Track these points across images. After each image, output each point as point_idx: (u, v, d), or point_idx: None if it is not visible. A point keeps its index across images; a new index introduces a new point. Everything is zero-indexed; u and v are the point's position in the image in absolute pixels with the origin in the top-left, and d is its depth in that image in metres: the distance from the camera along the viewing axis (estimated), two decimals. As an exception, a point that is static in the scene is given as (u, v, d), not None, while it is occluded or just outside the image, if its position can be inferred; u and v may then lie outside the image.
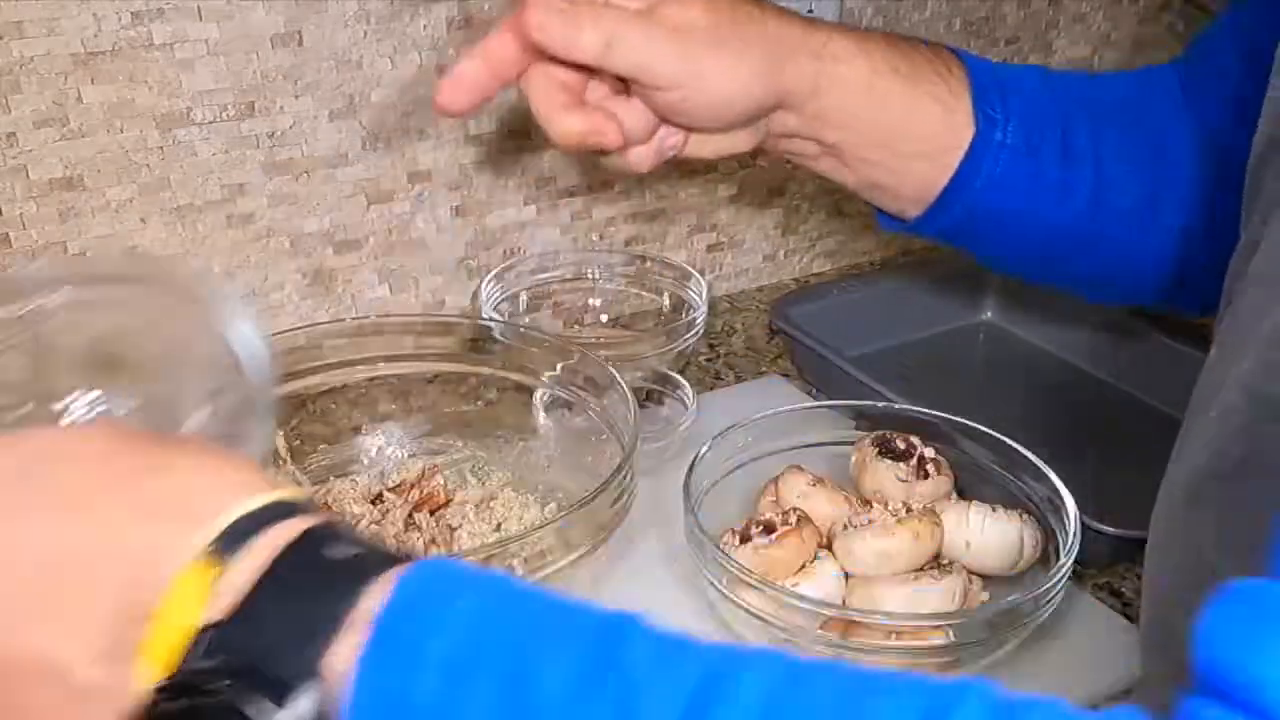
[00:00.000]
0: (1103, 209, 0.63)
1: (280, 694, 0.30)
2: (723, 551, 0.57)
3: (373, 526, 0.64)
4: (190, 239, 0.77)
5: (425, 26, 0.79)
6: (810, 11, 0.93)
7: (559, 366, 0.71)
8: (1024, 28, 1.08)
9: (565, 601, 0.33)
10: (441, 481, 0.69)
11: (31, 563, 0.34)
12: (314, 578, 0.32)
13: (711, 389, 0.87)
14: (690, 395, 0.76)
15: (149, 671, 0.32)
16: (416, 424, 0.75)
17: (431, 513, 0.66)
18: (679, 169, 0.95)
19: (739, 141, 0.60)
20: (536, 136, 0.88)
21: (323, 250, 0.83)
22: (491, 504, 0.68)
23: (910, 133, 0.60)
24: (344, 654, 0.31)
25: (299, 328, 0.73)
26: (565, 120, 0.55)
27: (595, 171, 0.91)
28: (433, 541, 0.64)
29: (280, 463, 0.70)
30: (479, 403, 0.75)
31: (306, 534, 0.33)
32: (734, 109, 0.57)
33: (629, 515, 0.60)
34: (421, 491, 0.68)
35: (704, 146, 0.60)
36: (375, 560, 0.33)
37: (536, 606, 0.33)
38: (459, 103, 0.55)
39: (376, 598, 0.31)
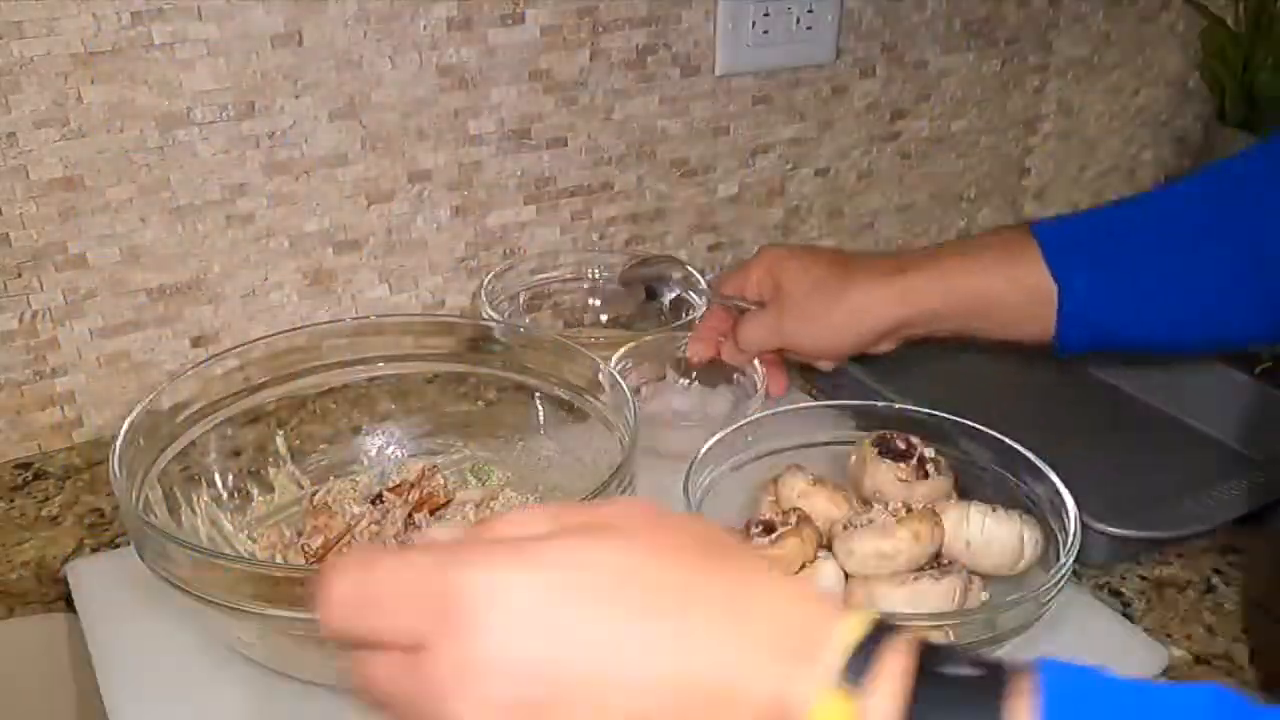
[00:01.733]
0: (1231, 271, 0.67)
1: None
2: (723, 551, 0.57)
3: (372, 527, 0.64)
4: (190, 239, 0.77)
5: (425, 26, 0.79)
6: (810, 12, 0.93)
7: (559, 366, 0.71)
8: (1024, 28, 1.08)
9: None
10: (441, 481, 0.69)
11: (652, 696, 0.32)
12: (955, 699, 0.32)
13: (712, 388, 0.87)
14: (759, 376, 0.80)
15: None
16: (416, 424, 0.75)
17: (431, 513, 0.66)
18: (679, 169, 0.95)
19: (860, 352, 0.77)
20: (536, 136, 0.88)
21: (323, 250, 0.83)
22: (491, 504, 0.68)
23: (1001, 311, 0.71)
24: None
25: (299, 328, 0.73)
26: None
27: (596, 172, 0.92)
28: (433, 541, 0.64)
29: (280, 463, 0.70)
30: (479, 403, 0.75)
31: (921, 653, 0.33)
32: (841, 353, 0.77)
33: (629, 515, 0.60)
34: (421, 491, 0.67)
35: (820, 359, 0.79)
36: (997, 673, 0.33)
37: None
38: (704, 355, 0.82)
39: (1023, 716, 0.31)
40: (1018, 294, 0.70)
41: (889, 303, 0.72)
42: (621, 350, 0.79)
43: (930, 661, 0.33)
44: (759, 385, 0.79)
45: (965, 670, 0.32)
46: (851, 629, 0.33)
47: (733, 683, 0.32)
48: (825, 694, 0.32)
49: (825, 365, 0.79)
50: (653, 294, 0.88)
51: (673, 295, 0.88)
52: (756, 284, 0.77)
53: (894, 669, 0.32)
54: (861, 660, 0.32)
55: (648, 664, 0.32)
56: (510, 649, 0.31)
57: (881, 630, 0.33)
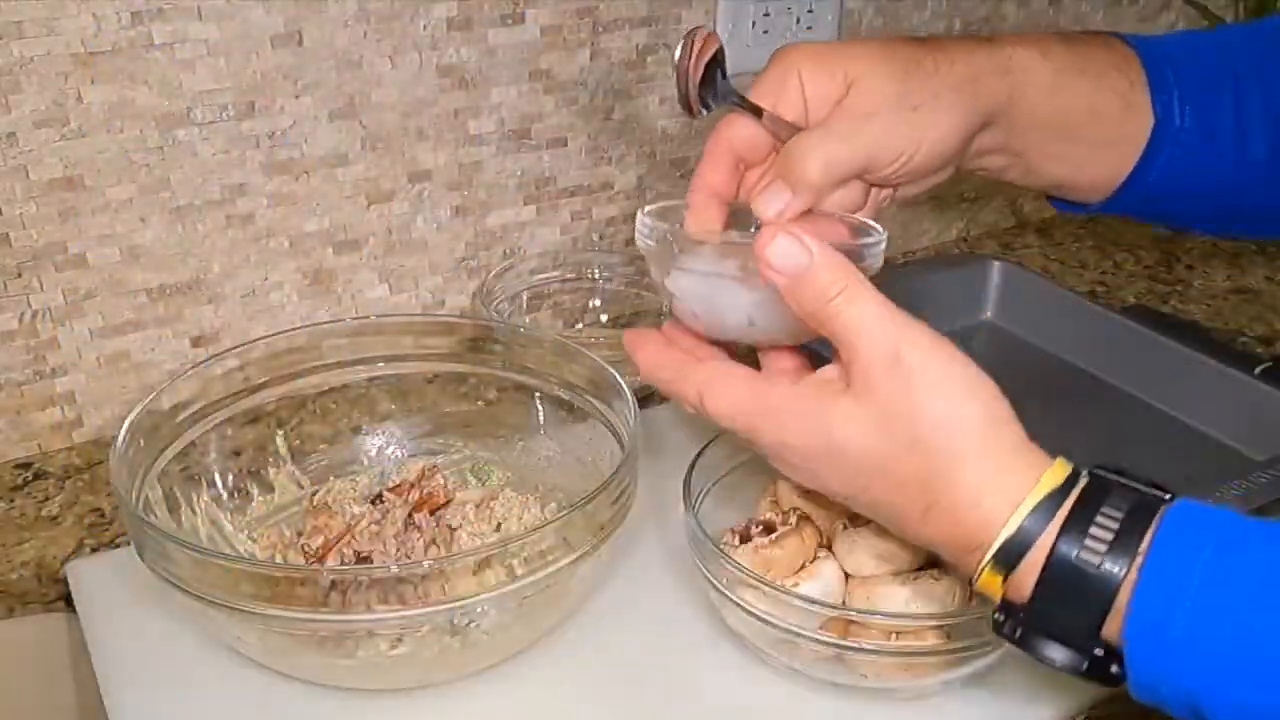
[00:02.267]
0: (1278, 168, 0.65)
1: (1068, 651, 0.44)
2: (723, 551, 0.57)
3: (372, 527, 0.64)
4: (190, 239, 0.77)
5: (425, 26, 0.79)
6: (810, 12, 0.93)
7: (559, 366, 0.71)
8: (1024, 28, 1.08)
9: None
10: (441, 481, 0.69)
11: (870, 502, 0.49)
12: (1076, 587, 0.43)
13: (711, 389, 0.87)
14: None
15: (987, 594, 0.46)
16: (416, 424, 0.75)
17: (431, 513, 0.66)
18: (679, 169, 0.95)
19: (946, 174, 0.61)
20: (536, 136, 0.88)
21: (323, 250, 0.83)
22: (491, 504, 0.68)
23: (1094, 126, 0.62)
24: (1112, 632, 0.43)
25: (299, 328, 0.73)
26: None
27: (596, 172, 0.92)
28: (433, 542, 0.64)
29: (280, 463, 0.70)
30: (479, 403, 0.75)
31: (1059, 540, 0.43)
32: (949, 151, 0.58)
33: (629, 515, 0.60)
34: (421, 491, 0.67)
35: (914, 190, 0.62)
36: (1123, 545, 0.43)
37: (1249, 602, 0.41)
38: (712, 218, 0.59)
39: (1127, 593, 0.42)
40: (1123, 116, 0.62)
41: (996, 73, 0.58)
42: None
43: (1067, 545, 0.43)
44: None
45: (1092, 556, 0.43)
46: (1008, 529, 0.44)
47: (951, 535, 0.47)
48: (989, 575, 0.45)
49: (908, 191, 0.62)
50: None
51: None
52: (800, 90, 0.55)
53: (1037, 556, 0.44)
54: (1012, 551, 0.44)
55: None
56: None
57: (1040, 518, 0.44)
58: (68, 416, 0.78)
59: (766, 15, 0.92)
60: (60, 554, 0.69)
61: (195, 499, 0.64)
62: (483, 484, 0.71)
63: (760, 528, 0.60)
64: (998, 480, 0.45)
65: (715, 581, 0.58)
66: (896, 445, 0.46)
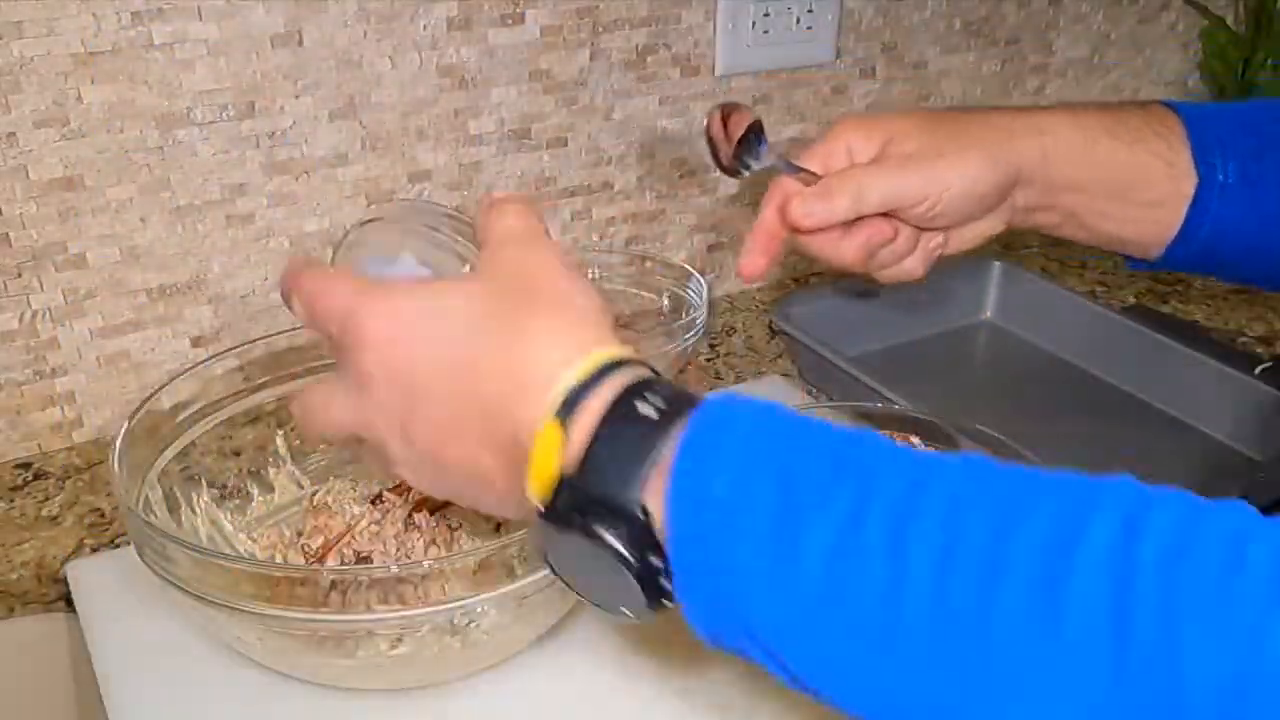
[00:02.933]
0: None
1: (618, 520, 0.40)
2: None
3: (372, 527, 0.64)
4: (190, 239, 0.77)
5: (425, 26, 0.79)
6: (810, 12, 0.93)
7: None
8: (1024, 28, 1.08)
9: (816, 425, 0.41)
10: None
11: (442, 397, 0.44)
12: (630, 434, 0.40)
13: (711, 389, 0.87)
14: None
15: (537, 498, 0.42)
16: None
17: (431, 513, 0.66)
18: (679, 169, 0.95)
19: (993, 225, 0.67)
20: (536, 136, 0.88)
21: (323, 250, 0.83)
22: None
23: (1137, 187, 0.65)
24: (656, 494, 0.40)
25: (299, 328, 0.73)
26: (843, 250, 0.64)
27: (596, 172, 0.92)
28: (433, 542, 0.64)
29: (280, 463, 0.70)
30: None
31: (623, 394, 0.41)
32: (976, 199, 0.63)
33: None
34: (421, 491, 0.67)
35: (964, 238, 0.67)
36: (674, 410, 0.41)
37: (796, 437, 0.40)
38: (759, 268, 0.67)
39: (672, 447, 0.40)
40: (1164, 177, 0.64)
41: (1027, 134, 0.63)
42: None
43: (631, 398, 0.41)
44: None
45: (649, 408, 0.41)
46: (577, 372, 0.42)
47: (503, 406, 0.43)
48: (546, 422, 0.41)
49: (958, 241, 0.68)
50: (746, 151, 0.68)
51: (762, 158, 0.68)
52: (847, 154, 0.64)
53: (597, 407, 0.41)
54: (575, 397, 0.41)
55: (450, 385, 0.44)
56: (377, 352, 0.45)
57: (606, 370, 0.42)
58: (68, 416, 0.78)
59: (766, 15, 0.92)
60: (60, 554, 0.69)
61: (195, 499, 0.64)
62: (483, 484, 0.71)
63: (760, 528, 0.60)
64: (574, 333, 0.43)
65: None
66: (505, 284, 0.45)
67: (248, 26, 0.73)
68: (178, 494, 0.63)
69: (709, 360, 0.91)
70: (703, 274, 0.90)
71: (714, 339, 0.94)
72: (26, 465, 0.77)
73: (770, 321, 0.94)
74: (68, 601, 0.65)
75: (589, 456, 0.41)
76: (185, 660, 0.60)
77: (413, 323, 0.45)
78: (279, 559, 0.63)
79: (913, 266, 0.68)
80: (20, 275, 0.73)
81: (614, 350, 0.43)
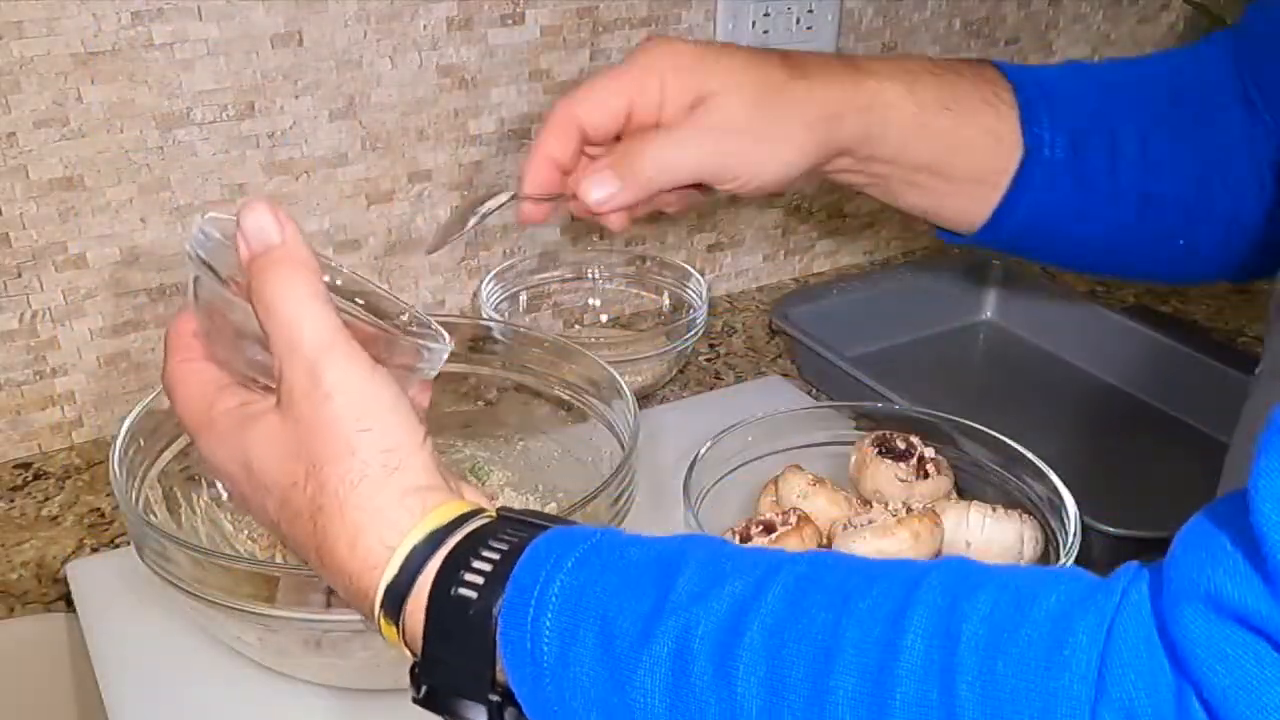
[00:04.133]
0: (1153, 205, 0.64)
1: (478, 709, 0.40)
2: (723, 551, 0.57)
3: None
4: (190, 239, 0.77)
5: (425, 26, 0.79)
6: (810, 12, 0.93)
7: (559, 366, 0.71)
8: (1024, 28, 1.08)
9: (629, 558, 0.40)
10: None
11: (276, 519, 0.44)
12: (457, 628, 0.40)
13: (711, 389, 0.87)
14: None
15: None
16: (416, 424, 0.75)
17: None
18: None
19: (794, 187, 0.63)
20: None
21: (323, 250, 0.83)
22: (492, 504, 0.68)
23: (958, 163, 0.62)
24: (501, 670, 0.39)
25: (299, 328, 0.73)
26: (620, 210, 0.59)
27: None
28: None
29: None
30: (479, 403, 0.75)
31: (442, 575, 0.40)
32: (791, 177, 0.59)
33: (629, 515, 0.60)
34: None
35: (756, 195, 0.64)
36: (496, 578, 0.39)
37: (612, 580, 0.39)
38: (540, 218, 0.61)
39: (497, 623, 0.39)
40: (989, 152, 0.61)
41: (856, 110, 0.59)
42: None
43: (448, 581, 0.39)
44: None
45: (468, 591, 0.39)
46: (390, 571, 0.40)
47: (342, 580, 0.42)
48: (382, 621, 0.41)
49: (747, 196, 0.63)
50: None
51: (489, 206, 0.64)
52: (659, 88, 0.56)
53: (417, 603, 0.40)
54: (398, 595, 0.40)
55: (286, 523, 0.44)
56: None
57: (421, 553, 0.40)
58: (68, 416, 0.78)
59: (766, 15, 0.92)
60: (60, 554, 0.69)
61: (195, 499, 0.64)
62: (483, 484, 0.71)
63: (760, 528, 0.60)
64: (378, 524, 0.41)
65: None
66: (297, 472, 0.42)
67: (248, 26, 0.73)
68: (178, 494, 0.63)
69: (709, 360, 0.91)
70: (703, 274, 0.90)
71: (714, 339, 0.95)
72: (26, 465, 0.77)
73: (770, 321, 0.94)
74: (68, 601, 0.65)
75: (429, 654, 0.40)
76: (185, 660, 0.60)
77: (235, 451, 0.45)
78: (279, 559, 0.63)
79: (676, 208, 0.64)
80: (20, 275, 0.73)
81: (419, 526, 0.41)
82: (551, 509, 0.68)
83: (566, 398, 0.71)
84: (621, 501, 0.59)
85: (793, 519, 0.60)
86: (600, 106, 0.56)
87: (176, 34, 0.71)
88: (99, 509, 0.73)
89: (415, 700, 0.41)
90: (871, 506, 0.62)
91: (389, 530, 0.41)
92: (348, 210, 0.82)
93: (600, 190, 0.56)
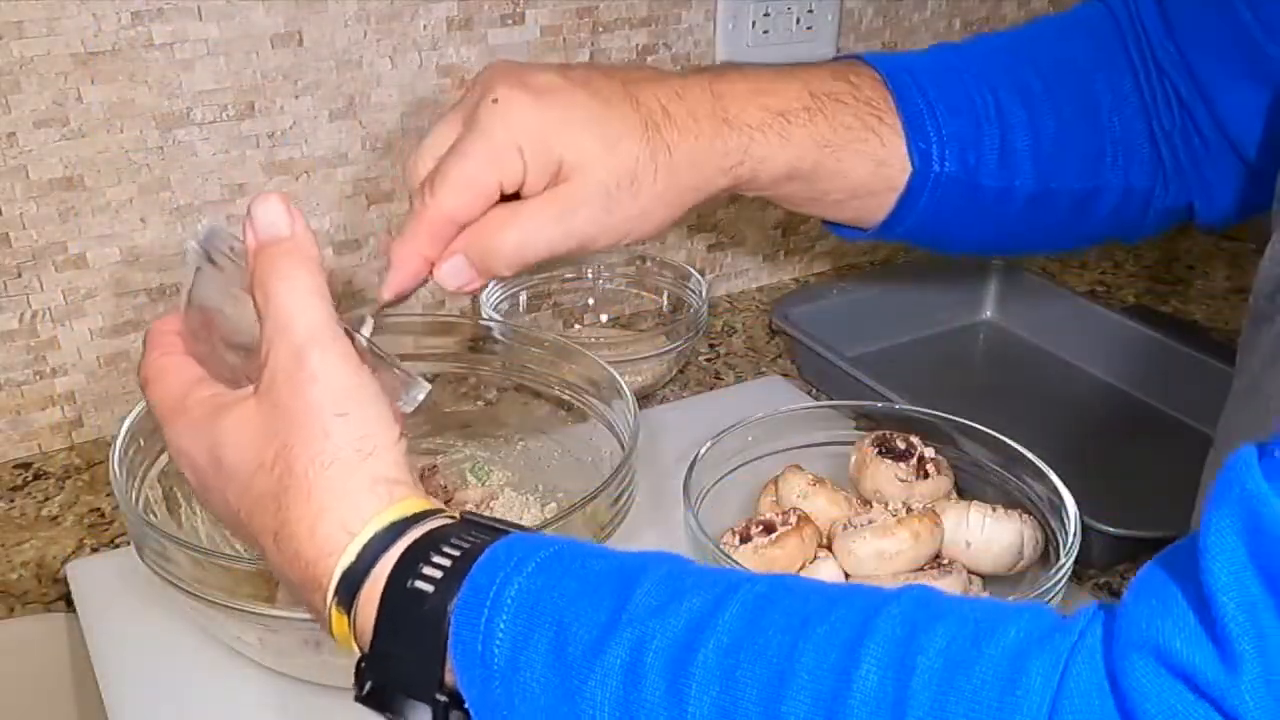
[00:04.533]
0: (1044, 200, 0.66)
1: (423, 709, 0.39)
2: (723, 551, 0.57)
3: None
4: (191, 239, 0.77)
5: (425, 26, 0.79)
6: (810, 12, 0.93)
7: (559, 366, 0.71)
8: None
9: (590, 568, 0.39)
10: (441, 482, 0.69)
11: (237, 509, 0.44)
12: (410, 621, 0.39)
13: (711, 389, 0.87)
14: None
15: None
16: (416, 424, 0.75)
17: (431, 513, 0.66)
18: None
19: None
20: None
21: (323, 250, 0.82)
22: (491, 504, 0.68)
23: (842, 188, 0.62)
24: (450, 670, 0.39)
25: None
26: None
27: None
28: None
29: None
30: (479, 403, 0.75)
31: (400, 567, 0.39)
32: (658, 235, 0.60)
33: (629, 515, 0.60)
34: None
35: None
36: (454, 573, 0.39)
37: (569, 587, 0.38)
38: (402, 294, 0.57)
39: (450, 621, 0.38)
40: (873, 177, 0.62)
41: (722, 175, 0.58)
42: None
43: (405, 573, 0.39)
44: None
45: (425, 585, 0.39)
46: (348, 555, 0.40)
47: (299, 570, 0.42)
48: (333, 610, 0.40)
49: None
50: None
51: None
52: (508, 167, 0.53)
53: (372, 591, 0.39)
54: (353, 585, 0.40)
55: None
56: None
57: (381, 541, 0.40)
58: (68, 416, 0.78)
59: (766, 15, 0.92)
60: (60, 554, 0.69)
61: (195, 499, 0.64)
62: (483, 484, 0.71)
63: (760, 528, 0.60)
64: (342, 507, 0.41)
65: (715, 581, 0.57)
66: (266, 454, 0.42)
67: (248, 26, 0.73)
68: (178, 494, 0.63)
69: (709, 360, 0.91)
70: (703, 274, 0.90)
71: (714, 339, 0.95)
72: (26, 465, 0.77)
73: (770, 321, 0.94)
74: (68, 601, 0.65)
75: (377, 648, 0.40)
76: (185, 660, 0.60)
77: (207, 444, 0.44)
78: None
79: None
80: (20, 275, 0.73)
81: (384, 514, 0.41)
82: (551, 509, 0.68)
83: (566, 398, 0.71)
84: (621, 501, 0.59)
85: (793, 519, 0.60)
86: (474, 201, 0.53)
87: (176, 34, 0.71)
88: (99, 509, 0.73)
89: (358, 698, 0.40)
90: (871, 506, 0.62)
91: (353, 515, 0.41)
92: (348, 210, 0.82)
93: (456, 280, 0.55)
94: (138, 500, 0.58)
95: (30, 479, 0.76)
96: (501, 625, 0.38)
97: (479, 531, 0.41)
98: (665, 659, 0.35)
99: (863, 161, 0.61)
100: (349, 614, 0.40)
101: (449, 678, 0.39)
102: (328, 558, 0.40)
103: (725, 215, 0.99)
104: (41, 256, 0.73)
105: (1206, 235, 1.09)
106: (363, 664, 0.41)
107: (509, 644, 0.37)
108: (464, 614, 0.38)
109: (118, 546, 0.69)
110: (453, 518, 0.42)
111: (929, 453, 0.65)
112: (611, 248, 0.58)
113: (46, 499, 0.74)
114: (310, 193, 0.80)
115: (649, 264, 0.93)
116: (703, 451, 0.64)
